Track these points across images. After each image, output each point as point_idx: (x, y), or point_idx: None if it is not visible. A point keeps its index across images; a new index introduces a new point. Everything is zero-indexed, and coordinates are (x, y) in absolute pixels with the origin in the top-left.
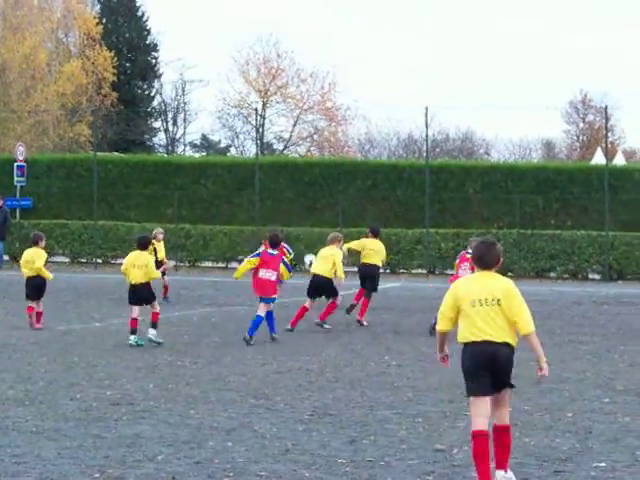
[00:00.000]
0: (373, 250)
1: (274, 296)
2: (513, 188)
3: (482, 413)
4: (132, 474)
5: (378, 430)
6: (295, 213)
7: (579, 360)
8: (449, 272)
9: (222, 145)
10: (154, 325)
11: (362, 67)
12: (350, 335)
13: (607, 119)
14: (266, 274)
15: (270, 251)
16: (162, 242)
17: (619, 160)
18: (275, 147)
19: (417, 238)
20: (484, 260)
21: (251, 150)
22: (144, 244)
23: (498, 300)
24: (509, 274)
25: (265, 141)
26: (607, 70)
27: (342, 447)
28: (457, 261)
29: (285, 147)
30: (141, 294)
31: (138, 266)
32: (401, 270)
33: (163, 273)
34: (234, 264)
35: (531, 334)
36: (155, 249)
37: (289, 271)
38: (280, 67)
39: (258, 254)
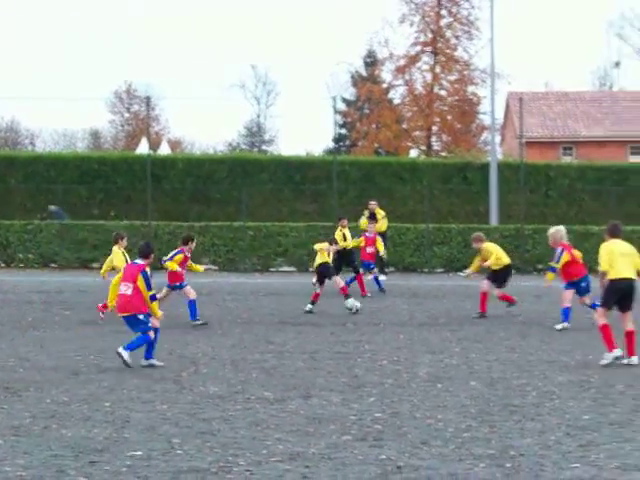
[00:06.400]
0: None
1: None
2: (57, 178)
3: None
4: None
5: None
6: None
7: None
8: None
9: None
10: None
11: None
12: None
13: (150, 109)
14: None
15: None
16: None
17: (164, 150)
18: None
19: None
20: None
21: None
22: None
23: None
24: (52, 265)
25: None
26: (151, 61)
27: None
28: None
29: None
30: None
31: None
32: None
33: None
34: None
35: None
36: None
37: None
38: None
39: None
